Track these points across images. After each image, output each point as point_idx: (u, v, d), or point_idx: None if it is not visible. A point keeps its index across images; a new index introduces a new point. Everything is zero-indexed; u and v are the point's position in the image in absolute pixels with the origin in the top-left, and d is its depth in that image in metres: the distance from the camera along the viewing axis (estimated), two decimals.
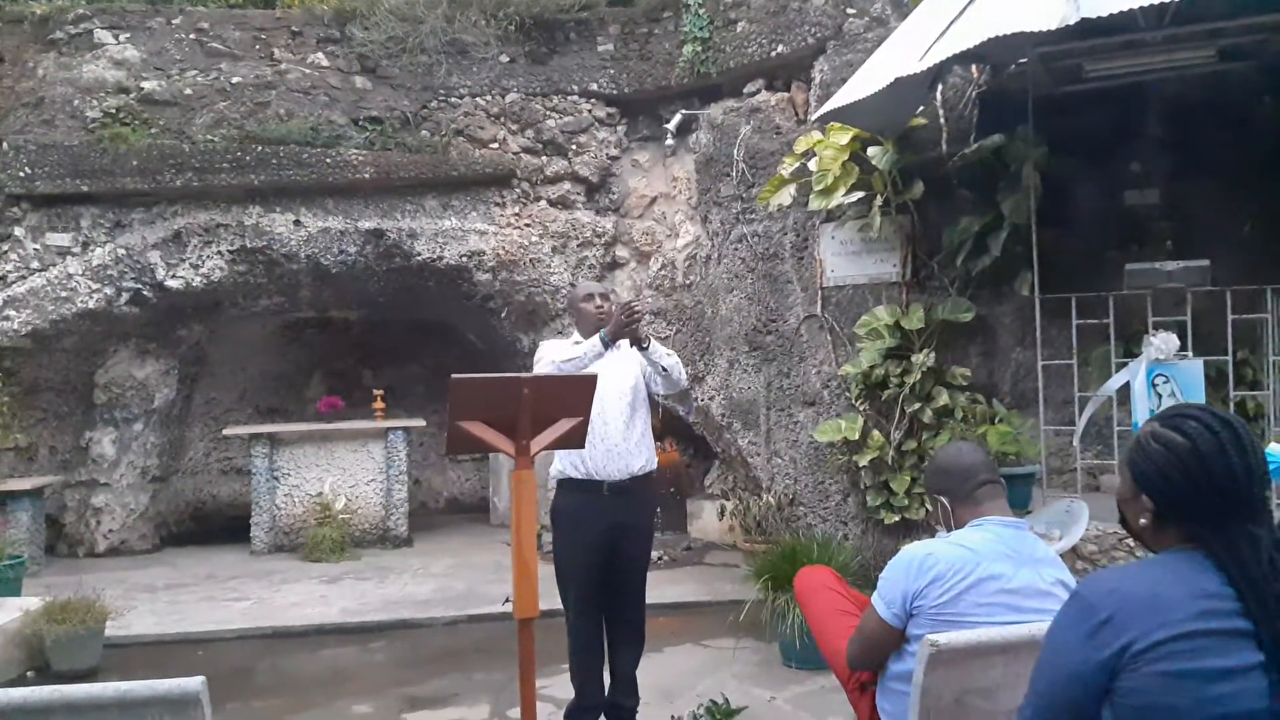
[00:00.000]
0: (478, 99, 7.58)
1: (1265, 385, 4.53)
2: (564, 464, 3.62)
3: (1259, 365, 4.66)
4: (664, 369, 3.61)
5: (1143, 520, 1.56)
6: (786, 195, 5.80)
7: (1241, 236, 4.96)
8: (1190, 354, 4.23)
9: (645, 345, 3.55)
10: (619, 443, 3.56)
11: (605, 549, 3.56)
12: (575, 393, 3.04)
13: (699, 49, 7.07)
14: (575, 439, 3.08)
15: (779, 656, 4.69)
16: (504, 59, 7.65)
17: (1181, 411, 1.57)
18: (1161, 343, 4.09)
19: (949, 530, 2.40)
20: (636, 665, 3.73)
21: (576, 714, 3.69)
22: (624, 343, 3.57)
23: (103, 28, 7.35)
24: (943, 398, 5.18)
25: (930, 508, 2.55)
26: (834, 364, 5.85)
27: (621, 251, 7.86)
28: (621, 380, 3.62)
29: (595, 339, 3.45)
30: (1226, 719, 1.35)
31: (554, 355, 3.51)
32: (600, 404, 3.30)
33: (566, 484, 3.64)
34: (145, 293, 7.16)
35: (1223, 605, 1.40)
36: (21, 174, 6.91)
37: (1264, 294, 4.44)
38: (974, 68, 5.33)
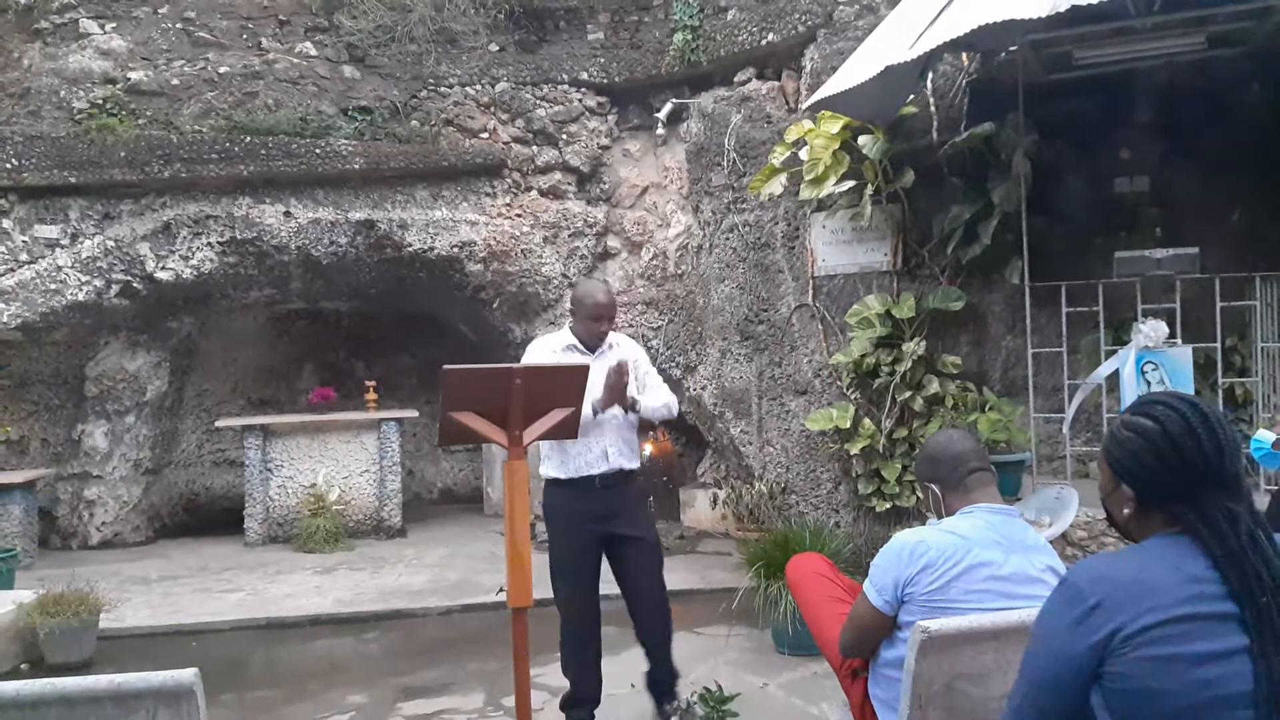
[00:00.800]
0: (467, 88, 7.54)
1: (1253, 372, 4.56)
2: (550, 466, 3.66)
3: (1247, 352, 4.69)
4: (657, 421, 3.82)
5: (1126, 510, 1.58)
6: (777, 184, 5.80)
7: (1230, 224, 4.99)
8: (1179, 341, 4.26)
9: (636, 409, 3.61)
10: (613, 444, 3.62)
11: (600, 541, 3.64)
12: (567, 383, 3.05)
13: (689, 37, 7.05)
14: (568, 429, 3.09)
15: (772, 643, 4.72)
16: (493, 48, 7.61)
17: (1148, 399, 1.61)
18: (1151, 330, 4.12)
19: (940, 517, 2.41)
20: (670, 641, 3.81)
21: (572, 706, 3.72)
22: (618, 342, 3.68)
23: (88, 17, 7.29)
24: (933, 386, 5.20)
25: (921, 495, 2.57)
26: (825, 353, 5.87)
27: (613, 241, 7.85)
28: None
29: (588, 409, 3.39)
30: (1214, 702, 1.36)
31: None
32: (591, 402, 3.38)
33: (559, 484, 3.68)
34: (135, 285, 7.12)
35: (1210, 589, 1.41)
36: (8, 165, 6.85)
37: (1252, 281, 4.46)
38: (964, 56, 5.33)
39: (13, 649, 4.85)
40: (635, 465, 3.75)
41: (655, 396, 3.74)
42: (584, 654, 3.71)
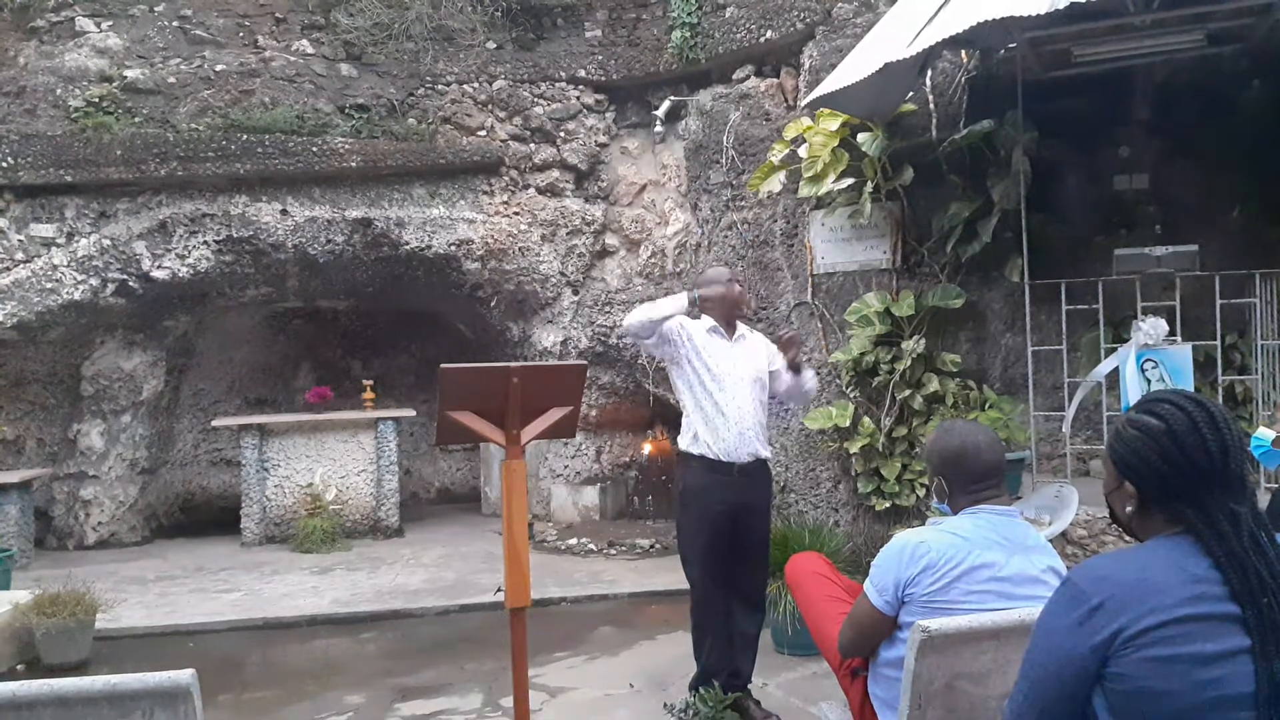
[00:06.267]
0: (465, 86, 7.53)
1: (1253, 369, 4.55)
2: (696, 441, 3.75)
3: (1247, 350, 4.68)
4: (804, 390, 3.94)
5: (1128, 508, 1.57)
6: (776, 182, 5.79)
7: (1229, 221, 4.98)
8: (1179, 339, 4.25)
9: (800, 369, 3.85)
10: (750, 427, 3.73)
11: (729, 526, 3.73)
12: (565, 382, 3.04)
13: (687, 34, 7.03)
14: (566, 428, 3.08)
15: (771, 643, 4.70)
16: (490, 45, 7.59)
17: (1155, 397, 1.60)
18: (1150, 328, 4.10)
19: (940, 501, 2.39)
20: (759, 630, 3.90)
21: (702, 683, 3.79)
22: (754, 333, 3.97)
23: (84, 15, 7.27)
24: (933, 384, 5.19)
25: (928, 480, 2.53)
26: (824, 351, 5.86)
27: (611, 239, 7.84)
28: (750, 369, 3.79)
29: (683, 298, 3.73)
30: (1216, 703, 1.36)
31: (642, 310, 3.74)
32: (734, 391, 3.70)
33: (698, 463, 3.75)
34: (131, 284, 7.10)
35: (1212, 590, 1.41)
36: (4, 164, 6.83)
37: (1252, 279, 4.45)
38: (963, 53, 5.32)
39: (9, 649, 4.83)
40: (768, 453, 3.88)
41: (812, 378, 4.03)
42: (716, 632, 3.78)
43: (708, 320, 3.84)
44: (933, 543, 2.22)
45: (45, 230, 6.99)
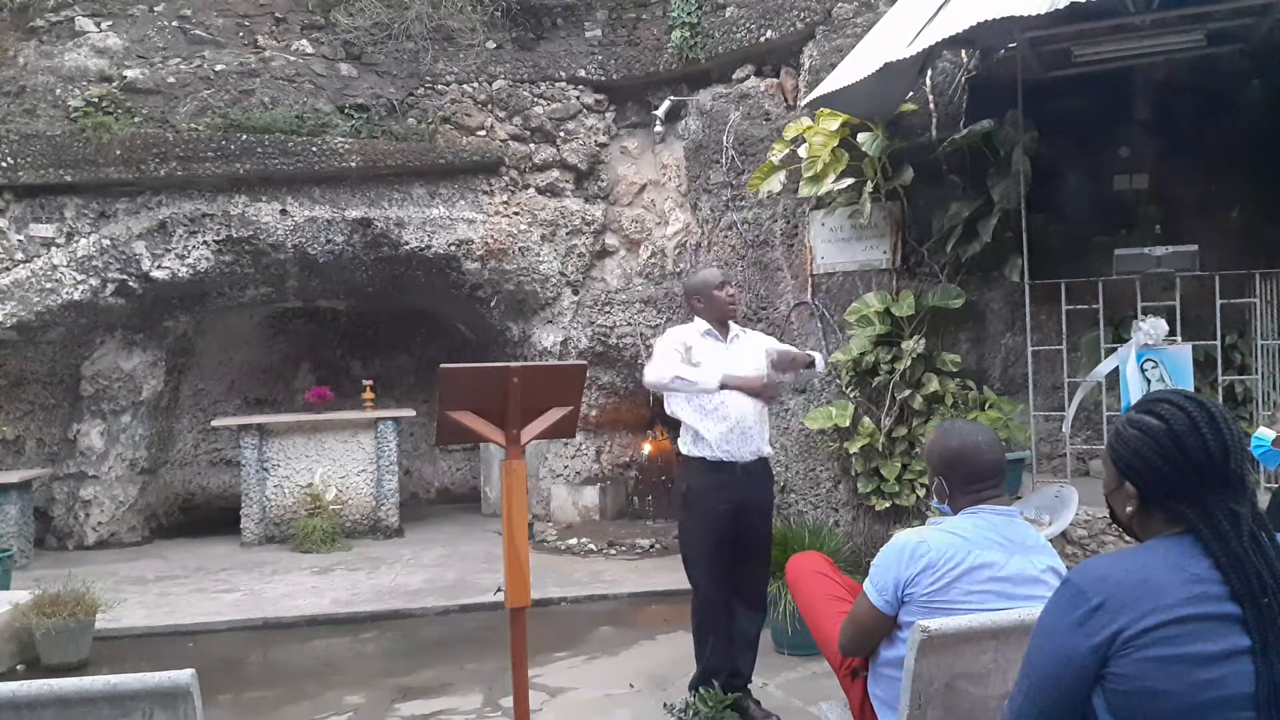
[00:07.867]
0: (464, 86, 7.53)
1: (1253, 369, 4.55)
2: (698, 443, 3.75)
3: (1247, 350, 4.68)
4: (816, 374, 3.97)
5: (1129, 509, 1.57)
6: (776, 182, 5.78)
7: (1229, 221, 4.98)
8: (1179, 339, 4.25)
9: (813, 365, 3.80)
10: (752, 426, 3.73)
11: (733, 526, 3.73)
12: (565, 382, 3.04)
13: (687, 34, 7.03)
14: (566, 428, 3.08)
15: (771, 643, 4.70)
16: (490, 45, 7.59)
17: (1155, 397, 1.60)
18: (1150, 328, 4.10)
19: (940, 501, 2.40)
20: (760, 629, 3.90)
21: (702, 683, 3.79)
22: (749, 333, 3.98)
23: (84, 15, 7.26)
24: (933, 384, 5.19)
25: (929, 480, 2.52)
26: (824, 351, 5.85)
27: (611, 239, 7.84)
28: (750, 367, 3.77)
29: (714, 379, 3.60)
30: (1216, 703, 1.36)
31: (674, 369, 3.66)
32: (737, 392, 3.64)
33: (701, 465, 3.75)
34: (131, 284, 7.09)
35: (1212, 590, 1.40)
36: (4, 164, 6.82)
37: (1252, 278, 4.45)
38: (963, 53, 5.32)
39: (9, 649, 4.83)
40: (770, 451, 3.87)
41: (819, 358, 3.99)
42: (718, 633, 3.78)
43: (701, 324, 3.84)
44: (933, 542, 2.22)
45: (45, 230, 6.99)
